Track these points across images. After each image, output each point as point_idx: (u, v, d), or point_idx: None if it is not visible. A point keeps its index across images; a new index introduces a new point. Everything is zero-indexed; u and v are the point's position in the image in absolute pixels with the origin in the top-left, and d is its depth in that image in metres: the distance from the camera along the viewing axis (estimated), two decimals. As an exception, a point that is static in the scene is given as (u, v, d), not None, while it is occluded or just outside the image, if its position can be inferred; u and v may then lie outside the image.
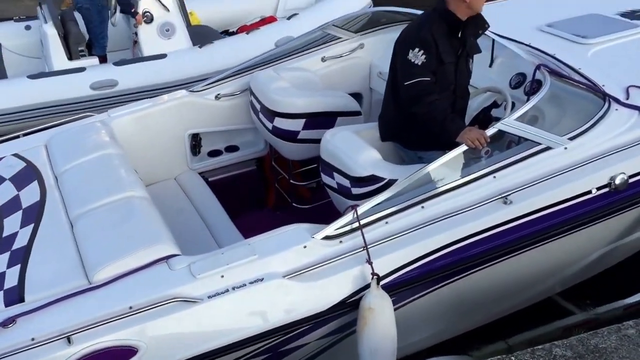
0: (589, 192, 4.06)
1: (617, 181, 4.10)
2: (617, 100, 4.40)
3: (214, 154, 5.54)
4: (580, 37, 5.23)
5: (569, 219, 4.03)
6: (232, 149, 5.55)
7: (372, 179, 4.08)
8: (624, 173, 4.12)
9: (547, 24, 5.53)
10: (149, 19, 7.94)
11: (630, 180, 4.15)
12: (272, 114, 5.03)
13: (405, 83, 4.22)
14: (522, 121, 4.10)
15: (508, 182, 3.98)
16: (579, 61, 4.81)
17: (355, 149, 4.27)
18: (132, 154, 4.99)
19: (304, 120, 4.94)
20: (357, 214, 3.71)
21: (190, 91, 5.36)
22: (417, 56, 4.16)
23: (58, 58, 7.67)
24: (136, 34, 8.03)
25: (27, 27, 8.35)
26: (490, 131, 4.02)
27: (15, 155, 4.56)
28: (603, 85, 4.50)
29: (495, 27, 5.66)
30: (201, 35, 8.42)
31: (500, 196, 3.93)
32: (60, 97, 7.22)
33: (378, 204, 3.78)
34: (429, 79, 4.19)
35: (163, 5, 7.98)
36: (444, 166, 3.94)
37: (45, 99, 7.18)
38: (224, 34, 9.04)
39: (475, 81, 4.71)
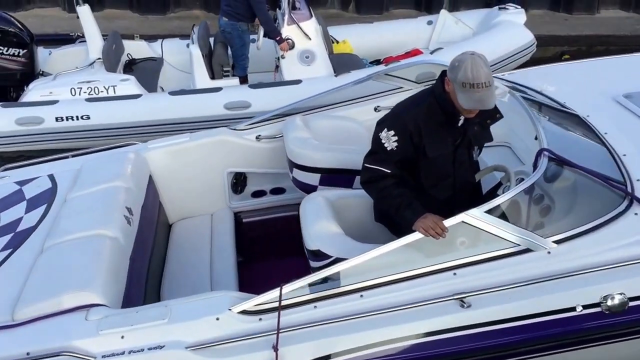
0: (572, 309, 3.24)
1: (614, 301, 3.22)
2: (644, 204, 3.47)
3: (258, 194, 5.26)
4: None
5: (537, 337, 3.24)
6: (278, 191, 5.23)
7: (319, 254, 3.62)
8: (623, 293, 3.23)
9: (625, 94, 4.56)
10: (290, 45, 7.84)
11: (632, 304, 3.24)
12: (291, 165, 4.70)
13: (365, 163, 3.70)
14: (495, 215, 3.38)
15: (471, 283, 3.31)
16: (632, 147, 3.88)
17: (314, 219, 3.84)
18: (166, 186, 4.94)
19: (319, 175, 4.53)
20: (281, 292, 3.27)
21: (232, 129, 5.15)
22: (389, 139, 3.62)
23: (201, 76, 7.83)
24: (278, 58, 7.98)
25: (188, 45, 8.64)
26: (451, 221, 3.34)
27: (50, 176, 4.66)
28: (638, 180, 3.57)
29: (567, 87, 4.92)
30: (345, 64, 8.16)
31: (458, 296, 3.26)
32: (194, 114, 7.33)
33: (309, 284, 3.31)
34: (388, 171, 3.63)
35: (305, 33, 7.83)
36: (396, 253, 3.35)
37: (180, 115, 7.33)
38: (374, 63, 8.67)
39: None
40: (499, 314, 3.23)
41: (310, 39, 7.86)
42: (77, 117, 7.26)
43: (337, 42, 8.91)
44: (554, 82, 4.96)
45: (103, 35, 8.19)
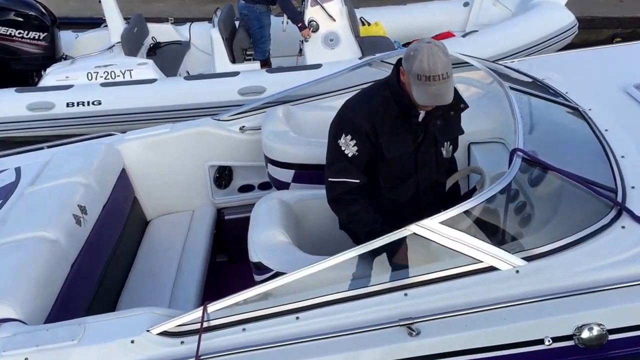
0: (540, 341, 2.67)
1: (590, 333, 2.64)
2: (634, 215, 2.85)
3: (245, 189, 4.80)
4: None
5: (496, 375, 2.68)
6: (267, 185, 4.68)
7: (261, 267, 3.16)
8: (601, 324, 2.65)
9: (637, 84, 3.89)
10: (314, 28, 7.35)
11: (611, 337, 2.65)
12: (266, 159, 4.24)
13: (329, 177, 3.21)
14: (463, 225, 2.82)
15: (422, 305, 2.77)
16: (634, 147, 3.25)
17: (263, 226, 3.37)
18: (142, 181, 4.56)
19: (292, 171, 4.05)
20: (204, 311, 2.83)
21: (215, 119, 4.69)
22: (348, 145, 3.13)
23: (221, 60, 7.46)
24: (302, 42, 7.50)
25: (215, 28, 8.26)
26: (399, 234, 2.81)
27: (17, 169, 4.32)
28: (632, 187, 2.95)
29: (577, 76, 4.28)
30: (374, 47, 7.61)
31: (404, 322, 2.73)
32: (208, 99, 6.94)
33: (237, 303, 2.84)
34: (357, 181, 3.15)
35: (329, 15, 7.32)
36: (341, 268, 2.86)
37: (194, 101, 6.95)
38: (406, 46, 8.08)
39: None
40: (451, 344, 2.69)
41: (334, 20, 7.36)
42: (88, 103, 6.99)
43: (369, 24, 8.38)
44: (566, 69, 4.34)
45: (125, 19, 7.90)
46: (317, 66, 7.09)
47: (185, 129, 4.61)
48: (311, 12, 7.33)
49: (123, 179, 4.41)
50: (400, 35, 8.19)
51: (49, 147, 4.65)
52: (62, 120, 7.03)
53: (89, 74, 7.23)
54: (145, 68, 7.31)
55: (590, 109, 3.79)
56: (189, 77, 7.25)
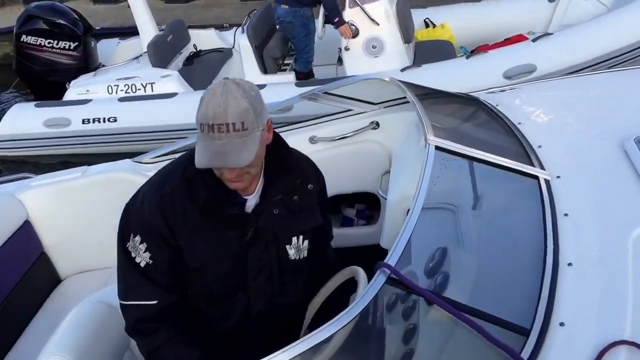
0: None
1: None
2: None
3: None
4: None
5: None
6: None
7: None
8: None
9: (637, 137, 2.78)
10: (354, 32, 6.08)
11: None
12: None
13: (120, 300, 2.13)
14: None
15: None
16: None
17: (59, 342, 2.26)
18: (52, 234, 3.64)
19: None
20: None
21: (135, 161, 3.62)
22: (137, 250, 2.06)
23: (251, 71, 6.38)
24: (341, 49, 6.24)
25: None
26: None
27: None
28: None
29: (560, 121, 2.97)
30: (430, 54, 6.24)
31: None
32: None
33: None
34: (154, 302, 2.07)
35: (370, 18, 6.01)
36: None
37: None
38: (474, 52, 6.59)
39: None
40: None
41: (377, 24, 6.05)
42: (104, 120, 6.17)
43: (434, 26, 6.98)
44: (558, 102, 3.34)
45: (159, 26, 7.02)
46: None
47: (98, 173, 3.59)
48: (350, 15, 6.06)
49: (24, 232, 3.47)
50: (470, 39, 6.74)
51: None
52: (77, 138, 6.26)
53: (110, 87, 6.41)
54: (169, 80, 6.37)
55: (558, 177, 2.78)
56: (209, 91, 6.22)
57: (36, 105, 6.44)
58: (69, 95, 6.53)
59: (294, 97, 3.98)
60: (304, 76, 6.46)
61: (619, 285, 2.28)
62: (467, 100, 3.69)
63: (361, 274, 2.20)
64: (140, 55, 6.71)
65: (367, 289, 2.02)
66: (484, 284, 2.45)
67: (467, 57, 5.75)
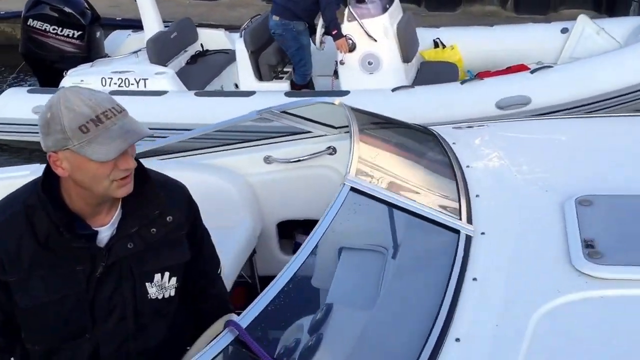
0: None
1: None
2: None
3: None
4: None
5: None
6: None
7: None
8: None
9: (582, 196, 2.59)
10: (350, 47, 5.80)
11: None
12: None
13: None
14: None
15: None
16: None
17: None
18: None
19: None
20: None
21: None
22: None
23: (245, 77, 6.18)
24: (337, 63, 5.98)
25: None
26: None
27: None
28: None
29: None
30: (433, 75, 5.95)
31: None
32: (211, 120, 5.65)
33: None
34: None
35: (367, 33, 5.73)
36: None
37: (197, 120, 5.63)
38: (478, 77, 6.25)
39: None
40: None
41: (375, 40, 5.76)
42: (92, 111, 6.01)
43: (444, 47, 6.64)
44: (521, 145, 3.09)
45: (165, 22, 6.85)
46: (344, 93, 5.61)
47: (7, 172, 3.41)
48: (348, 29, 5.79)
49: None
50: (479, 63, 6.44)
51: None
52: (63, 128, 6.13)
53: (104, 80, 6.26)
54: (163, 77, 6.19)
55: (483, 233, 2.54)
56: (200, 93, 6.03)
57: (28, 91, 6.37)
58: (64, 84, 6.39)
59: (250, 113, 3.75)
60: (301, 88, 6.21)
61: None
62: (420, 135, 3.41)
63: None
64: (140, 50, 6.56)
65: (208, 349, 1.80)
66: (362, 349, 2.19)
67: (462, 83, 5.43)
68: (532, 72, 5.34)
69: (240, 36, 6.17)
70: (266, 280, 3.23)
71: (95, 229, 1.89)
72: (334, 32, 5.75)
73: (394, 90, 5.47)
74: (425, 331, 2.13)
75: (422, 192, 2.82)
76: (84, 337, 1.88)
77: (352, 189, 2.55)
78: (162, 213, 1.97)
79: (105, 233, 1.90)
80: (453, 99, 5.27)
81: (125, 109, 1.82)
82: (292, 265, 2.14)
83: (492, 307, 2.23)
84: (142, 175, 1.94)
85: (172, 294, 2.03)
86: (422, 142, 3.35)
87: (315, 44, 6.01)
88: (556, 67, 5.36)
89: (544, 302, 2.22)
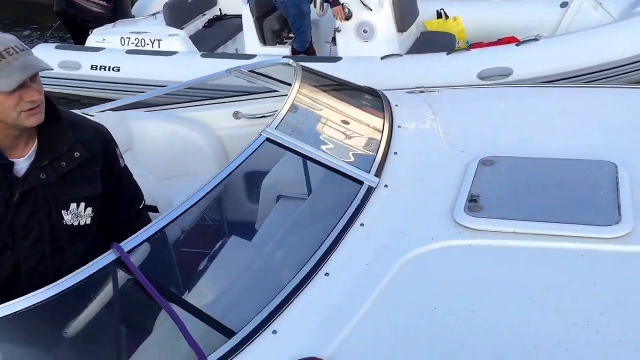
0: None
1: None
2: None
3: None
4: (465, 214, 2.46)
5: None
6: None
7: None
8: None
9: (487, 157, 2.83)
10: (347, 15, 5.96)
11: None
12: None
13: None
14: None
15: None
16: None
17: None
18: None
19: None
20: None
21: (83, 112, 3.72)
22: None
23: (251, 41, 6.42)
24: (335, 30, 6.14)
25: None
26: None
27: None
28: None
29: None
30: (431, 45, 6.06)
31: None
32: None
33: None
34: None
35: (363, 3, 5.87)
36: None
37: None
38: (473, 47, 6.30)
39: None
40: None
41: (370, 10, 5.91)
42: (109, 68, 6.41)
43: (447, 17, 6.71)
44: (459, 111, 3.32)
45: (185, -15, 7.12)
46: (337, 59, 5.83)
47: None
48: (344, -4, 5.95)
49: None
50: (481, 35, 6.46)
51: None
52: (85, 82, 6.55)
53: (123, 40, 6.64)
54: (175, 40, 6.53)
55: (386, 186, 2.70)
56: (206, 55, 6.31)
57: (57, 48, 6.77)
58: (89, 42, 6.82)
59: (221, 72, 4.00)
60: (300, 54, 6.40)
61: (355, 303, 2.22)
62: (364, 97, 3.59)
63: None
64: (159, 13, 6.86)
65: (90, 265, 2.06)
66: (240, 280, 2.44)
67: (448, 54, 5.53)
68: (518, 44, 5.40)
69: (247, 2, 6.40)
70: (234, 225, 3.52)
71: (13, 160, 2.17)
72: (331, 0, 5.92)
73: (383, 58, 5.62)
74: (302, 266, 2.36)
75: (344, 147, 3.02)
76: (6, 254, 2.16)
77: (268, 140, 2.77)
78: (71, 149, 2.22)
79: (22, 164, 2.16)
80: (438, 68, 5.39)
81: (29, 48, 2.06)
82: (189, 200, 2.38)
83: (368, 249, 2.43)
84: (54, 114, 2.21)
85: (89, 222, 2.28)
86: (362, 103, 3.52)
87: (316, 10, 6.18)
88: (542, 40, 5.40)
89: (415, 248, 2.41)
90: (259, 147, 2.74)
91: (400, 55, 5.69)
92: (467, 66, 5.33)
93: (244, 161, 2.65)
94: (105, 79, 6.40)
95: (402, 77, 5.23)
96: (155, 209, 2.87)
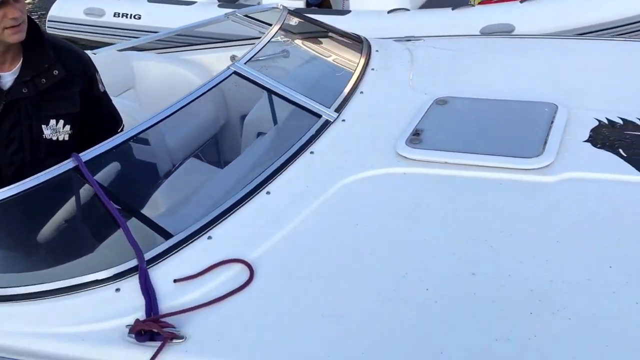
0: None
1: None
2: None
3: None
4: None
5: None
6: None
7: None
8: None
9: (441, 97, 2.96)
10: (359, -34, 6.05)
11: None
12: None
13: None
14: None
15: None
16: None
17: None
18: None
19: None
20: None
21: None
22: None
23: (270, -8, 6.51)
24: (349, -19, 6.25)
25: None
26: None
27: None
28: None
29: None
30: (442, 0, 6.09)
31: None
32: (225, 31, 6.10)
33: None
34: None
35: (377, -47, 5.94)
36: None
37: (214, 30, 6.12)
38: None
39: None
40: None
41: (382, -39, 5.97)
42: (130, 16, 6.63)
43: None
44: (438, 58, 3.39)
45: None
46: (344, 12, 5.92)
47: None
48: (358, -51, 6.02)
49: None
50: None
51: None
52: (107, 29, 6.79)
53: (151, -14, 6.84)
54: (198, -13, 6.70)
55: (343, 120, 2.82)
56: (223, 5, 6.47)
57: None
58: (115, -8, 7.04)
59: (218, 16, 4.17)
60: (319, 5, 6.52)
61: (287, 218, 2.39)
62: (345, 42, 3.70)
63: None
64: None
65: (50, 171, 2.27)
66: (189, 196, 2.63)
67: (453, 9, 5.58)
68: (522, 1, 5.41)
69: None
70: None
71: (1, 74, 2.37)
72: None
73: (389, 12, 5.69)
74: (246, 184, 2.54)
75: (313, 85, 3.18)
76: None
77: (235, 73, 2.95)
78: (50, 67, 2.41)
79: (8, 78, 2.38)
80: (443, 23, 5.45)
81: None
82: (151, 119, 2.58)
83: (311, 174, 2.59)
84: (37, 34, 2.41)
85: (66, 138, 2.50)
86: (342, 47, 3.65)
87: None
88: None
89: (354, 174, 2.57)
90: (225, 78, 2.90)
91: (407, 10, 5.75)
92: (470, 22, 5.37)
93: (207, 90, 2.82)
94: (126, 26, 6.64)
95: (406, 31, 5.27)
96: (146, 142, 3.09)
